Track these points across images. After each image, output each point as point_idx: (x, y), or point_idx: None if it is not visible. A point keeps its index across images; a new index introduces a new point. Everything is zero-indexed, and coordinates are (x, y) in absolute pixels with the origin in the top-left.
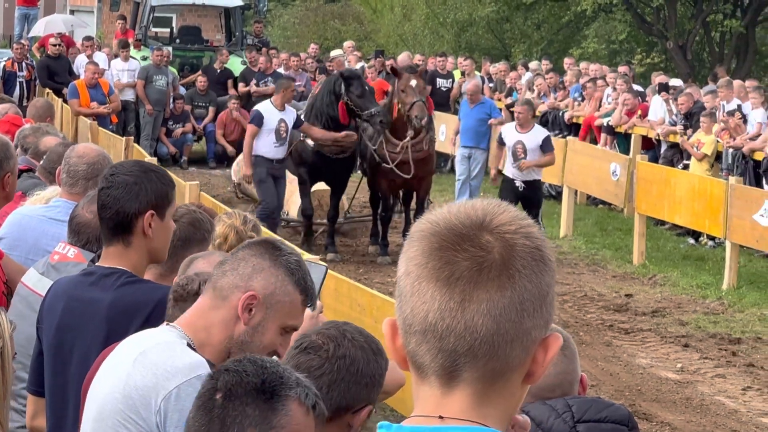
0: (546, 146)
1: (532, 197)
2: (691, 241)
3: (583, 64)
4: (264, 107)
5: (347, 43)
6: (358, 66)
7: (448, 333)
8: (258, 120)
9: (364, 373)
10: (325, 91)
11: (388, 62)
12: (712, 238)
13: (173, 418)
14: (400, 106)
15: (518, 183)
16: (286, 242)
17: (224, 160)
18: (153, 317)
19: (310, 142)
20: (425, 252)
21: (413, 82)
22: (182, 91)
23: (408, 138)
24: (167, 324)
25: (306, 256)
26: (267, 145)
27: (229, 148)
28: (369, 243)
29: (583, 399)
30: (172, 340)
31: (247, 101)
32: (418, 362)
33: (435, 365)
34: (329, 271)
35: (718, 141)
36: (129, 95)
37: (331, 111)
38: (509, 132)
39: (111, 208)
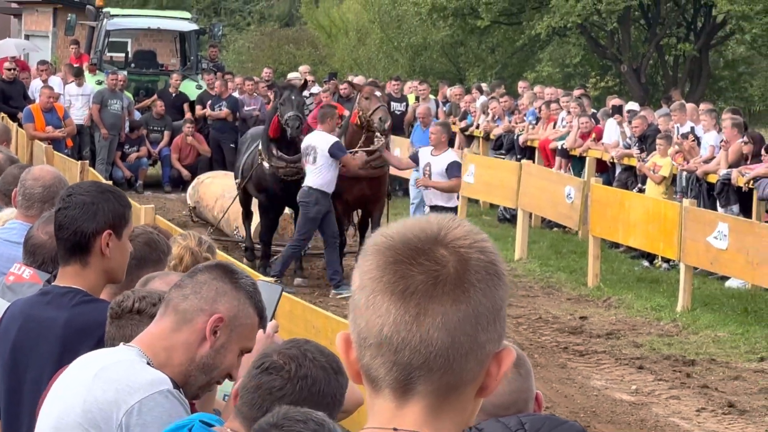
0: (450, 171)
1: None
2: (646, 263)
3: (537, 88)
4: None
5: (303, 68)
6: (314, 90)
7: (403, 346)
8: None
9: (325, 393)
10: (270, 109)
11: (342, 85)
12: (667, 261)
13: (140, 428)
14: (361, 113)
15: (426, 208)
16: (239, 264)
17: (180, 184)
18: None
19: (266, 165)
20: (380, 266)
21: (377, 93)
22: (137, 115)
23: (360, 143)
24: (124, 344)
25: (261, 277)
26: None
27: (185, 172)
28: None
29: (537, 416)
30: (132, 358)
31: (203, 125)
32: (372, 376)
33: (390, 378)
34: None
35: (673, 164)
36: (83, 119)
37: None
38: (424, 153)
39: (68, 229)
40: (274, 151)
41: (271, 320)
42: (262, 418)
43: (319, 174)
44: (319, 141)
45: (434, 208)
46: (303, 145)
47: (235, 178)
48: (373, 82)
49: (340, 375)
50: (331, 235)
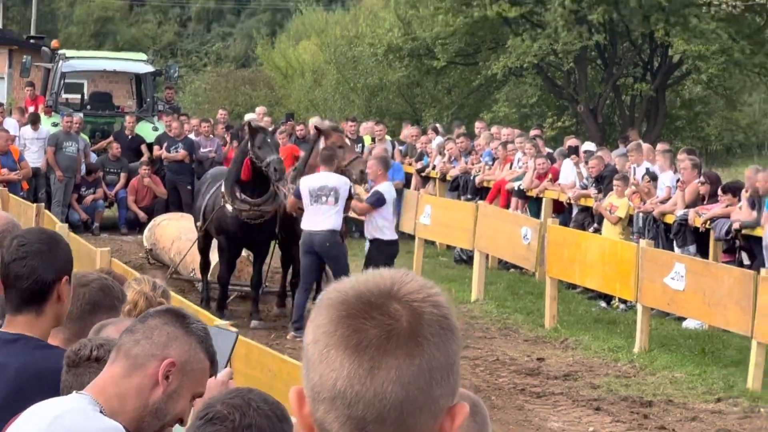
0: (369, 197)
1: (373, 256)
2: (603, 304)
3: (494, 128)
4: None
5: (259, 109)
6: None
7: (357, 400)
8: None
9: None
10: (237, 153)
11: (298, 126)
12: (624, 302)
13: None
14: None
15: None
16: (196, 308)
17: (136, 227)
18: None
19: (229, 207)
20: (333, 320)
21: (347, 140)
22: (93, 157)
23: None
24: (76, 392)
25: (217, 321)
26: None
27: (141, 214)
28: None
29: None
30: (84, 406)
31: (159, 167)
32: (326, 430)
33: None
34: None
35: (630, 204)
36: (39, 163)
37: (237, 171)
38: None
39: (28, 278)
40: (238, 194)
41: (226, 366)
42: None
43: (339, 215)
44: (337, 182)
45: (373, 242)
46: (316, 185)
47: (195, 220)
48: (335, 127)
49: (285, 423)
50: (307, 279)
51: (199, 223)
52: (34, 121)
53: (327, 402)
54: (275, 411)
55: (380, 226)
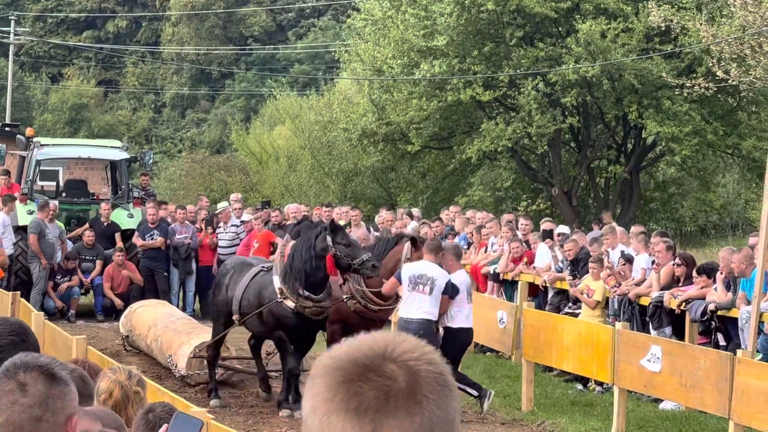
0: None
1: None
2: (580, 386)
3: (470, 212)
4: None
5: (234, 196)
6: (245, 218)
7: None
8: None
9: None
10: (303, 249)
11: (274, 213)
12: (600, 384)
13: None
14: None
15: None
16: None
17: (112, 313)
18: None
19: (290, 303)
20: (331, 386)
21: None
22: (69, 244)
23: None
24: None
25: (189, 411)
26: None
27: (117, 301)
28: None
29: None
30: None
31: (133, 254)
32: None
33: None
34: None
35: (606, 287)
36: (10, 249)
37: (309, 267)
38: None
39: None
40: (301, 291)
41: None
42: None
43: (434, 306)
44: (437, 273)
45: (445, 331)
46: (413, 273)
47: (220, 312)
48: (422, 240)
49: None
50: None
51: (236, 316)
52: (5, 202)
53: None
54: None
55: (452, 315)
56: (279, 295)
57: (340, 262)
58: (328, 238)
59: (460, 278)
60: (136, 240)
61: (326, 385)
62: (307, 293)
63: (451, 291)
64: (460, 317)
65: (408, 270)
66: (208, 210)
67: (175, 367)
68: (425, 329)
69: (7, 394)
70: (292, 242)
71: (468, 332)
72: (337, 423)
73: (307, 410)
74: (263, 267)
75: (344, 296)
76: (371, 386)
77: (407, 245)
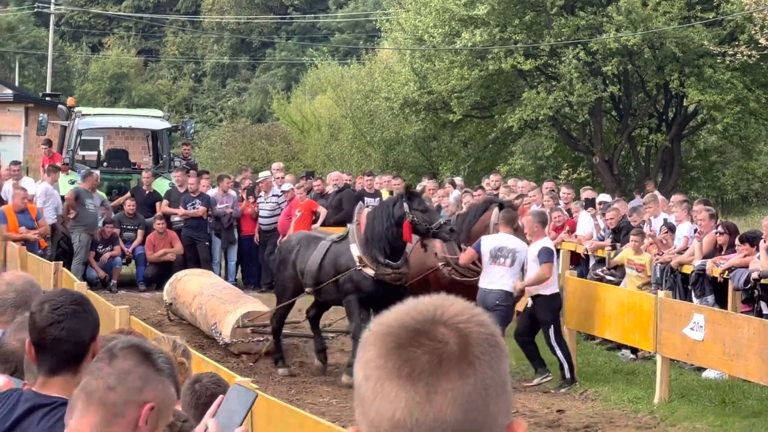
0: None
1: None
2: (632, 355)
3: (511, 181)
4: None
5: (275, 165)
6: (286, 187)
7: (417, 428)
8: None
9: None
10: (383, 217)
11: (316, 182)
12: (635, 352)
13: None
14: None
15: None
16: (209, 366)
17: (154, 283)
18: None
19: (370, 271)
20: (382, 353)
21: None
22: (111, 214)
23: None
24: None
25: (238, 379)
26: None
27: (169, 255)
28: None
29: None
30: None
31: (168, 224)
32: None
33: None
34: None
35: (648, 255)
36: (52, 219)
37: (391, 234)
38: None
39: (68, 341)
40: (381, 259)
41: (240, 425)
42: None
43: (513, 278)
44: (517, 245)
45: (536, 298)
46: (496, 245)
47: (286, 289)
48: (511, 205)
49: None
50: None
51: (308, 289)
52: (49, 172)
53: None
54: None
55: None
56: (358, 264)
57: (418, 228)
58: (405, 205)
59: (548, 243)
60: (172, 209)
61: (377, 352)
62: (386, 261)
63: (549, 257)
64: (552, 283)
65: (488, 243)
66: (251, 179)
67: (219, 335)
68: (503, 300)
69: (98, 361)
70: (367, 210)
71: (558, 297)
72: (391, 389)
73: (360, 378)
74: (333, 238)
75: (440, 264)
76: (423, 350)
77: (495, 211)
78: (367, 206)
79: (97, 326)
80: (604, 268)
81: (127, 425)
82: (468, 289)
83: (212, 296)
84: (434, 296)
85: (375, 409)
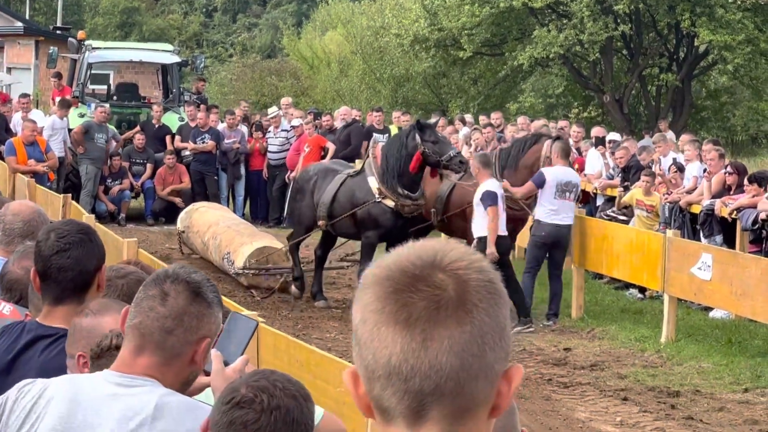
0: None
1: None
2: (639, 295)
3: (521, 119)
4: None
5: (284, 100)
6: (296, 123)
7: (413, 374)
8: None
9: (299, 421)
10: (396, 147)
11: (325, 118)
12: (642, 291)
13: None
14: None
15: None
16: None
17: (162, 217)
18: None
19: (389, 203)
20: (380, 297)
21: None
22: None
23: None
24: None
25: (242, 311)
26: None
27: (177, 200)
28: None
29: None
30: (159, 388)
31: (179, 158)
32: (383, 407)
33: (401, 407)
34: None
35: (657, 195)
36: (60, 152)
37: (401, 166)
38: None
39: (73, 270)
40: (400, 190)
41: (242, 354)
42: None
43: (573, 211)
44: (578, 180)
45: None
46: (563, 180)
47: (303, 218)
48: (557, 137)
49: (309, 402)
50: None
51: (322, 222)
52: (61, 106)
53: (383, 379)
54: (300, 391)
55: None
56: (377, 195)
57: (429, 159)
58: (417, 137)
59: (491, 186)
60: (183, 143)
61: (376, 295)
62: (405, 192)
63: (493, 200)
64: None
65: (554, 176)
66: (247, 113)
67: (232, 264)
68: (567, 234)
69: (149, 299)
70: (381, 144)
71: (506, 239)
72: (387, 334)
73: (357, 321)
74: (349, 172)
75: None
76: (421, 296)
77: (547, 143)
78: (377, 142)
79: (102, 257)
80: (614, 208)
81: (185, 362)
82: (513, 222)
83: (228, 228)
84: (435, 240)
85: (371, 353)
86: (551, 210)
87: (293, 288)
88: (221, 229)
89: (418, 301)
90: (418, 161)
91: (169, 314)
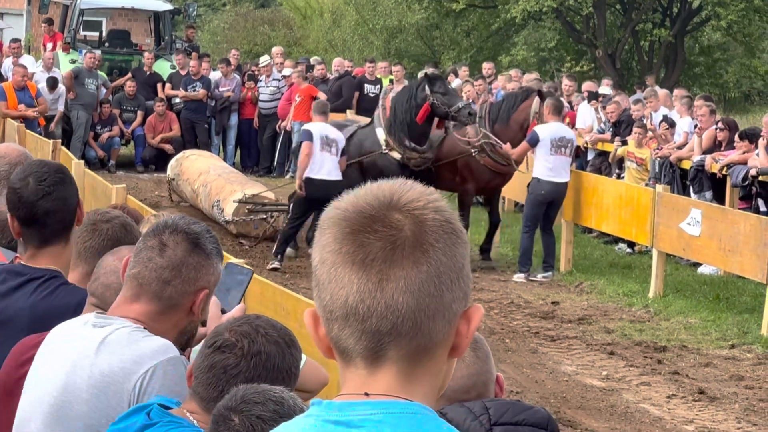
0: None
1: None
2: (628, 249)
3: (513, 71)
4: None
5: (275, 49)
6: (287, 72)
7: (369, 314)
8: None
9: (280, 367)
10: (405, 98)
11: (319, 67)
12: (632, 246)
13: (148, 395)
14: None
15: None
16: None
17: (152, 164)
18: None
19: (396, 155)
20: (337, 238)
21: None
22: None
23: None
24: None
25: (232, 259)
26: None
27: (167, 146)
28: None
29: (502, 401)
30: (132, 326)
31: (169, 106)
32: (342, 347)
33: (359, 348)
34: (256, 276)
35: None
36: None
37: (410, 118)
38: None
39: (61, 211)
40: (407, 142)
41: (239, 303)
42: (220, 401)
43: (569, 168)
44: (572, 135)
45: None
46: (557, 136)
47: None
48: (549, 92)
49: (294, 348)
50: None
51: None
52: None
53: (340, 320)
54: (284, 337)
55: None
56: (384, 147)
57: (438, 111)
58: (427, 88)
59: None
60: (174, 91)
61: (333, 236)
62: (412, 144)
63: (308, 137)
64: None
65: (547, 132)
66: (239, 62)
67: (222, 212)
68: (564, 192)
69: (147, 250)
70: (392, 95)
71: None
72: (344, 274)
73: (316, 262)
74: (360, 124)
75: (472, 150)
76: (377, 237)
77: (536, 99)
78: (368, 93)
79: (77, 192)
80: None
81: (182, 312)
82: (500, 177)
83: (219, 176)
84: (393, 181)
85: (329, 293)
86: (548, 167)
87: (288, 249)
88: (212, 177)
89: (375, 242)
90: (426, 112)
91: (167, 265)
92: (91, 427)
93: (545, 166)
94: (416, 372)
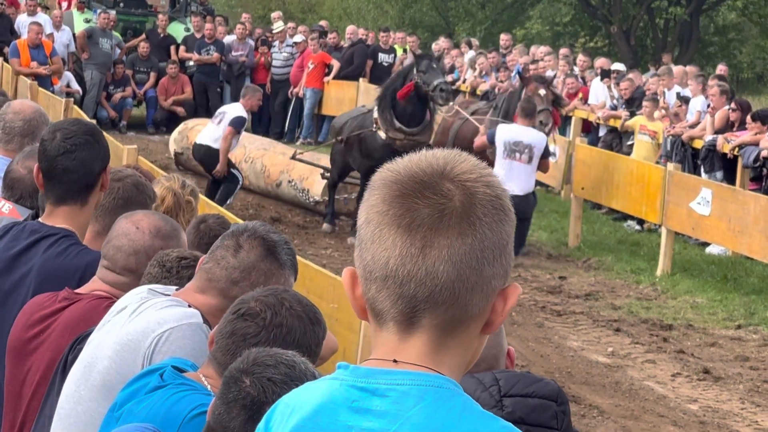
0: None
1: None
2: (637, 227)
3: (533, 48)
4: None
5: (275, 14)
6: (297, 38)
7: (408, 279)
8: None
9: (300, 342)
10: (396, 78)
11: (331, 35)
12: (641, 223)
13: (162, 354)
14: None
15: None
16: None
17: (163, 126)
18: (83, 282)
19: (381, 135)
20: (386, 200)
21: (542, 92)
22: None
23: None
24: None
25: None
26: None
27: (179, 109)
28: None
29: (512, 373)
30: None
31: (182, 69)
32: (377, 309)
33: (394, 311)
34: None
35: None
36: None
37: (392, 95)
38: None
39: (78, 171)
40: (395, 122)
41: None
42: (232, 363)
43: (531, 176)
44: (534, 139)
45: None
46: (511, 139)
47: (335, 135)
48: (540, 77)
49: (317, 325)
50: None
51: (341, 137)
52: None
53: (379, 281)
54: (308, 313)
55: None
56: (374, 126)
57: (420, 90)
58: (414, 68)
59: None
60: (188, 53)
61: (382, 197)
62: (398, 125)
63: (239, 125)
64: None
65: (502, 133)
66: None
67: (307, 192)
68: (524, 204)
69: (222, 249)
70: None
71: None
72: (388, 236)
73: (362, 221)
74: (370, 106)
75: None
76: (426, 203)
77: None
78: (381, 62)
79: (107, 158)
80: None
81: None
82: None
83: (255, 148)
84: (449, 150)
85: (371, 253)
86: (503, 173)
87: (324, 224)
88: (252, 151)
89: (423, 208)
90: (407, 90)
91: (238, 266)
92: (108, 383)
93: (500, 171)
94: (448, 343)
